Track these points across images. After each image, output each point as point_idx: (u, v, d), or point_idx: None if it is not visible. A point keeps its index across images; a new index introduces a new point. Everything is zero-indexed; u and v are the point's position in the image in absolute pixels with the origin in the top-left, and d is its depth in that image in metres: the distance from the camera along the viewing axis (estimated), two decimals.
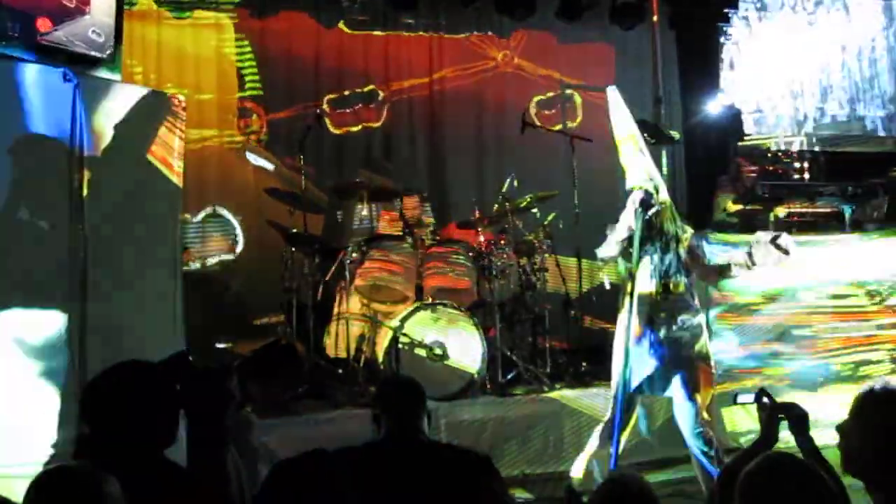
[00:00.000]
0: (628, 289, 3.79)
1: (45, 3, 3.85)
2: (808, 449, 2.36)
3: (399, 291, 5.51)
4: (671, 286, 3.82)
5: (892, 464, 1.93)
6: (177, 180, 4.18)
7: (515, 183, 6.20)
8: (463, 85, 7.71)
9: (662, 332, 3.80)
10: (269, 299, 6.50)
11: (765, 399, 2.55)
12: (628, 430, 3.83)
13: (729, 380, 5.26)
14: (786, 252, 3.70)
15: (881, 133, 7.61)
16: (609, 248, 3.90)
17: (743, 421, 5.28)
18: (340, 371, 5.51)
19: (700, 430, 3.75)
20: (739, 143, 7.18)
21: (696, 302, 3.92)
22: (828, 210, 6.37)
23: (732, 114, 7.54)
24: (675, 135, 7.59)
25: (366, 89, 7.48)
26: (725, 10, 7.68)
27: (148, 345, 3.72)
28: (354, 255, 5.52)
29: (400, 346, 5.17)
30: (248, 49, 7.18)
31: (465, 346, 5.24)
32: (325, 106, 7.26)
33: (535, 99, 7.83)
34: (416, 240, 5.85)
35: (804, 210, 6.34)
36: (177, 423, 2.24)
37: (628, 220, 3.76)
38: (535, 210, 6.15)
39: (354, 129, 7.43)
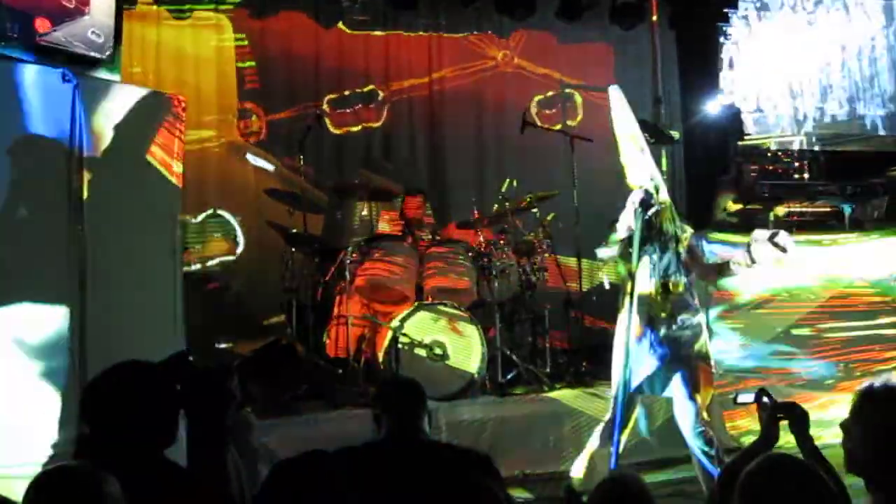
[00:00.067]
0: (628, 288, 3.79)
1: (44, 4, 3.85)
2: (808, 449, 2.36)
3: (399, 291, 5.51)
4: (671, 286, 3.82)
5: (892, 464, 1.92)
6: (176, 181, 4.18)
7: (515, 183, 6.20)
8: (463, 85, 7.70)
9: (662, 332, 3.80)
10: (269, 299, 6.50)
11: (765, 399, 2.55)
12: (628, 429, 3.83)
13: (729, 379, 5.25)
14: (783, 250, 3.70)
15: (881, 132, 7.61)
16: (609, 248, 3.90)
17: (743, 421, 5.28)
18: (340, 371, 5.51)
19: (700, 429, 3.75)
20: (739, 143, 7.18)
21: (696, 301, 3.92)
22: (827, 209, 6.38)
23: (732, 113, 7.53)
24: (675, 134, 7.60)
25: (366, 89, 7.47)
26: (725, 10, 7.67)
27: (148, 345, 3.71)
28: (354, 255, 5.52)
29: (400, 346, 5.17)
30: (248, 49, 7.17)
31: (464, 346, 5.24)
32: (325, 106, 7.26)
33: (535, 98, 7.83)
34: (416, 240, 5.85)
35: (804, 209, 6.35)
36: (177, 423, 2.24)
37: (628, 220, 3.76)
38: (535, 210, 6.15)
39: (354, 129, 7.43)
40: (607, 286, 6.67)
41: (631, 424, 3.89)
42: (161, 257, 4.14)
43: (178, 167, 4.17)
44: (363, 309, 5.64)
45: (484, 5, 7.52)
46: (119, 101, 4.00)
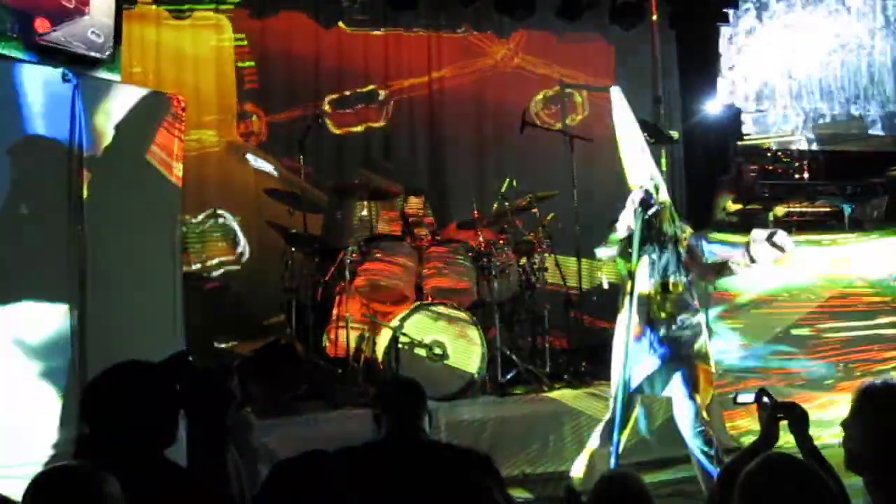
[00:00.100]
0: (628, 288, 3.79)
1: (43, 4, 3.84)
2: (808, 449, 2.36)
3: (399, 291, 5.51)
4: (670, 285, 3.82)
5: (892, 464, 1.92)
6: (176, 181, 4.18)
7: (515, 183, 6.20)
8: (463, 84, 7.70)
9: (662, 332, 3.81)
10: (269, 299, 6.50)
11: (765, 399, 2.55)
12: (628, 429, 3.83)
13: (729, 379, 5.25)
14: (782, 250, 3.70)
15: (881, 132, 7.61)
16: (608, 247, 3.91)
17: (743, 421, 5.27)
18: (340, 371, 5.51)
19: (700, 429, 3.75)
20: (739, 143, 7.18)
21: (696, 301, 3.93)
22: (827, 209, 6.37)
23: (732, 113, 7.54)
24: (675, 134, 7.60)
25: (366, 89, 7.47)
26: (725, 10, 7.68)
27: (148, 345, 3.71)
28: (354, 255, 5.52)
29: (400, 346, 5.17)
30: (248, 49, 7.17)
31: (464, 347, 5.24)
32: (326, 106, 7.26)
33: (535, 98, 7.83)
34: (415, 240, 5.85)
35: (804, 209, 6.34)
36: (177, 423, 2.24)
37: (628, 220, 3.76)
38: (534, 210, 6.15)
39: (355, 129, 7.43)
40: (606, 286, 6.66)
41: (630, 424, 3.89)
42: (161, 257, 4.14)
43: (178, 167, 4.17)
44: (363, 309, 5.64)
45: (484, 5, 7.51)
46: (119, 101, 3.99)
